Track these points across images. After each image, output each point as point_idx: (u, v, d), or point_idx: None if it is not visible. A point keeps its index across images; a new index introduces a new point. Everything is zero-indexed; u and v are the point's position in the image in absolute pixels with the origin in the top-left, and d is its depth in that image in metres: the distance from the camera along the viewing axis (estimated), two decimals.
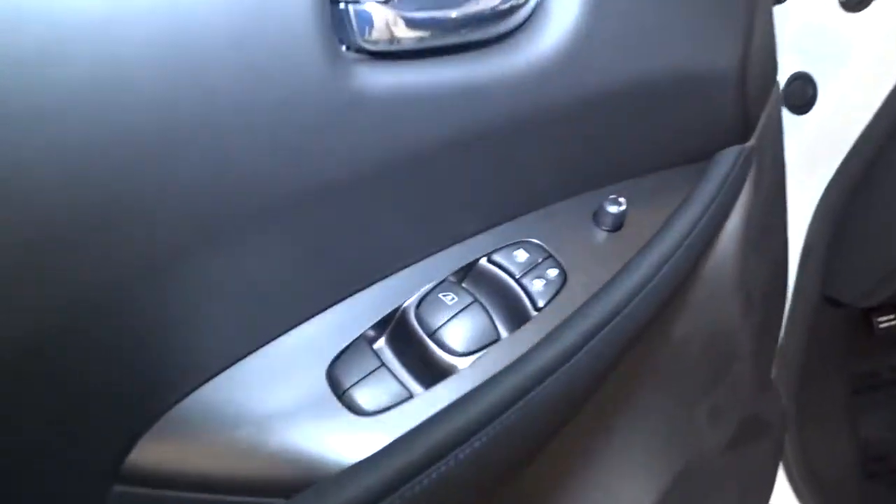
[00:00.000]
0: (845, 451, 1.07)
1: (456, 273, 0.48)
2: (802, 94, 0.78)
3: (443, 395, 0.44)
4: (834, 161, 0.84)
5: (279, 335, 0.45)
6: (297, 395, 0.43)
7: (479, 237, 0.50)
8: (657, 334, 0.57)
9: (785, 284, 0.72)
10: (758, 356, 0.70)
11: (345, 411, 0.43)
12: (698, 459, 0.68)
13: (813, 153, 0.84)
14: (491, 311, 0.47)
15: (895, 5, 0.69)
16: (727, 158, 0.56)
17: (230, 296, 0.42)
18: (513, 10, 0.44)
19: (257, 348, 0.44)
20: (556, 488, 0.55)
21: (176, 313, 0.40)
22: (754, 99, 0.55)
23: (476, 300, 0.47)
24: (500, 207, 0.50)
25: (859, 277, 0.88)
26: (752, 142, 0.57)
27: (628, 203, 0.51)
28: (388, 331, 0.46)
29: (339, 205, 0.42)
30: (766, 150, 0.60)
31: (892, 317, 1.09)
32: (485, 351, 0.46)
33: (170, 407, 0.42)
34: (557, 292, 0.48)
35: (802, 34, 0.78)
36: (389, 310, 0.46)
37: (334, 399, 0.43)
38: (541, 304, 0.48)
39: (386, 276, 0.47)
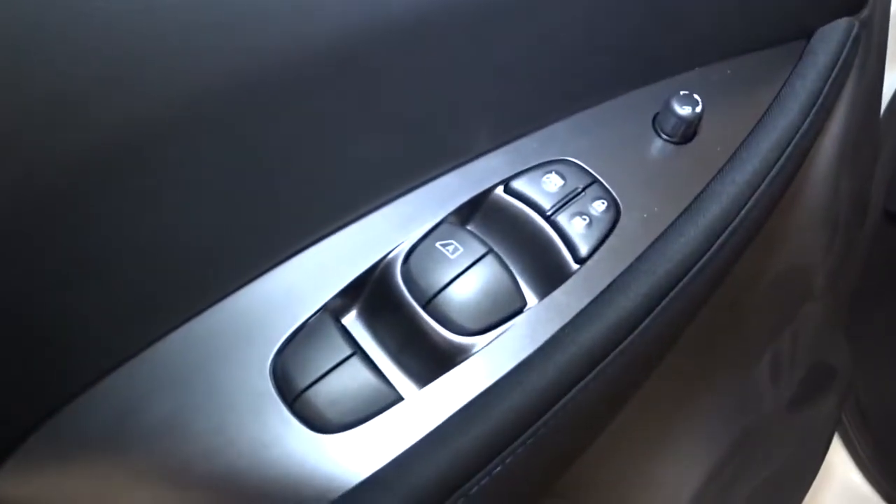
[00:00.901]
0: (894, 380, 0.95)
1: (459, 210, 0.33)
2: None
3: (446, 395, 0.30)
4: None
5: (201, 309, 0.30)
6: (225, 400, 0.29)
7: (492, 156, 0.34)
8: None
9: (867, 204, 0.57)
10: (833, 294, 0.56)
11: (298, 425, 0.28)
12: (757, 423, 0.55)
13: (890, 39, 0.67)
14: (513, 267, 0.32)
15: None
16: (834, 35, 0.40)
17: (120, 252, 0.27)
18: None
19: (169, 331, 0.29)
20: (602, 469, 0.41)
21: (50, 276, 0.26)
22: None
23: (491, 250, 0.32)
24: (521, 110, 0.34)
25: None
26: (865, 12, 0.41)
27: (704, 99, 0.36)
28: (362, 299, 0.32)
29: (286, 100, 0.27)
30: (875, 25, 0.44)
31: None
32: (506, 326, 0.31)
33: (38, 424, 0.28)
34: (607, 235, 0.33)
35: None
36: (364, 267, 0.31)
37: (282, 407, 0.29)
38: (584, 252, 0.33)
39: (357, 216, 0.32)
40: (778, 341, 0.53)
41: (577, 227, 0.33)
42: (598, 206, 0.33)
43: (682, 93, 0.35)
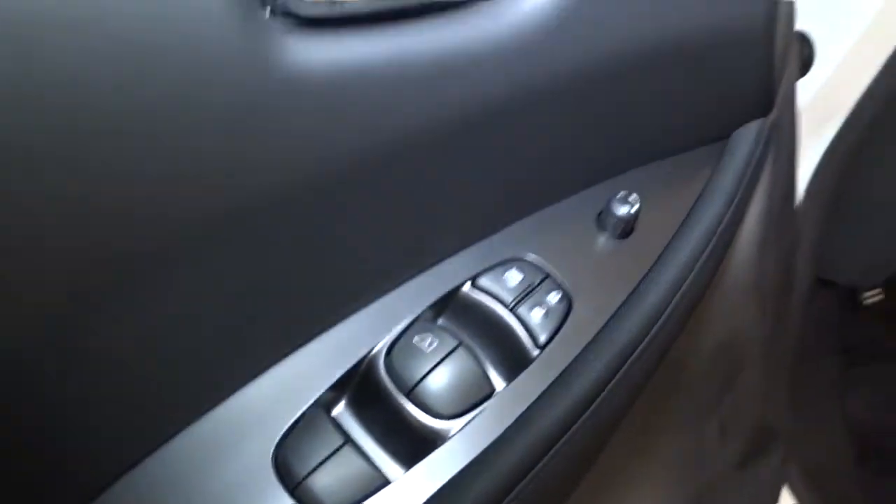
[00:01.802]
0: (836, 435, 1.00)
1: (433, 306, 0.37)
2: (798, 56, 0.69)
3: (428, 476, 0.33)
4: (826, 135, 0.75)
5: (205, 410, 0.33)
6: (232, 491, 0.32)
7: (459, 256, 0.38)
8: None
9: (794, 278, 0.63)
10: (768, 360, 0.61)
11: None
12: (710, 481, 0.59)
13: (804, 126, 0.75)
14: (481, 356, 0.37)
15: None
16: (748, 136, 0.46)
17: (130, 366, 0.30)
18: None
19: (176, 432, 0.33)
20: None
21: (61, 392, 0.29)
22: (779, 60, 0.45)
23: (462, 343, 0.36)
24: (484, 216, 0.39)
25: (856, 258, 0.80)
26: (773, 114, 0.47)
27: (642, 198, 0.41)
28: (350, 391, 0.35)
29: (275, 223, 0.31)
30: (784, 124, 0.50)
31: (877, 291, 1.03)
32: (478, 410, 0.35)
33: None
34: (562, 323, 0.38)
35: None
36: (351, 363, 0.35)
37: (285, 495, 0.32)
38: (543, 339, 0.37)
39: (344, 317, 0.36)
40: (720, 407, 0.57)
41: (536, 317, 0.37)
42: (553, 298, 0.38)
43: (620, 194, 0.40)
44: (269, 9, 0.28)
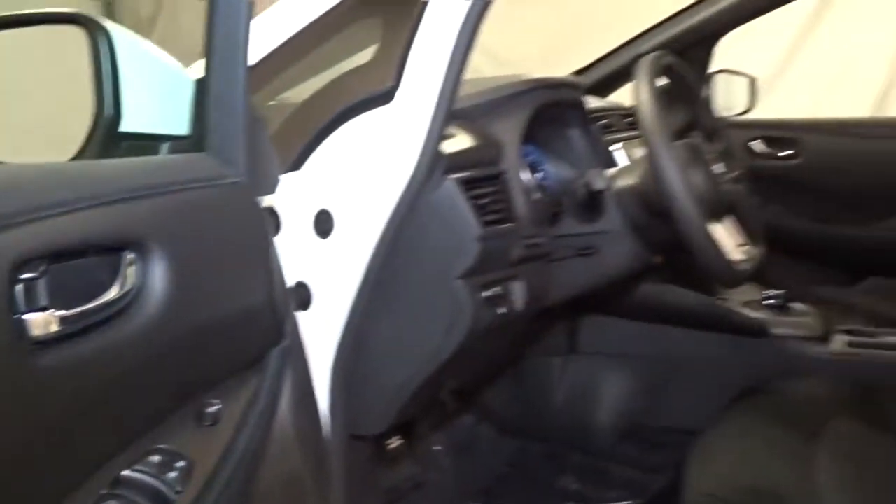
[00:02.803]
0: None
1: (112, 484, 0.65)
2: (303, 297, 1.09)
3: None
4: (332, 344, 1.13)
5: None
6: None
7: (125, 453, 0.67)
8: None
9: (320, 433, 1.01)
10: (320, 486, 0.97)
11: None
12: None
13: (315, 341, 1.14)
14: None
15: (353, 231, 1.03)
16: (275, 356, 0.84)
17: None
18: (125, 295, 0.65)
19: None
20: None
21: None
22: (280, 314, 0.85)
23: (132, 501, 0.64)
24: (136, 429, 0.68)
25: (364, 414, 1.20)
26: (285, 341, 0.86)
27: (222, 402, 0.75)
28: None
29: (22, 465, 0.57)
30: (294, 344, 0.90)
31: (396, 438, 1.47)
32: None
33: None
34: (188, 478, 0.69)
35: (293, 255, 1.09)
36: None
37: None
38: (179, 489, 0.68)
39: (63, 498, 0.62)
40: None
41: (172, 478, 0.68)
42: (181, 464, 0.69)
43: (208, 401, 0.74)
44: (22, 341, 0.56)
